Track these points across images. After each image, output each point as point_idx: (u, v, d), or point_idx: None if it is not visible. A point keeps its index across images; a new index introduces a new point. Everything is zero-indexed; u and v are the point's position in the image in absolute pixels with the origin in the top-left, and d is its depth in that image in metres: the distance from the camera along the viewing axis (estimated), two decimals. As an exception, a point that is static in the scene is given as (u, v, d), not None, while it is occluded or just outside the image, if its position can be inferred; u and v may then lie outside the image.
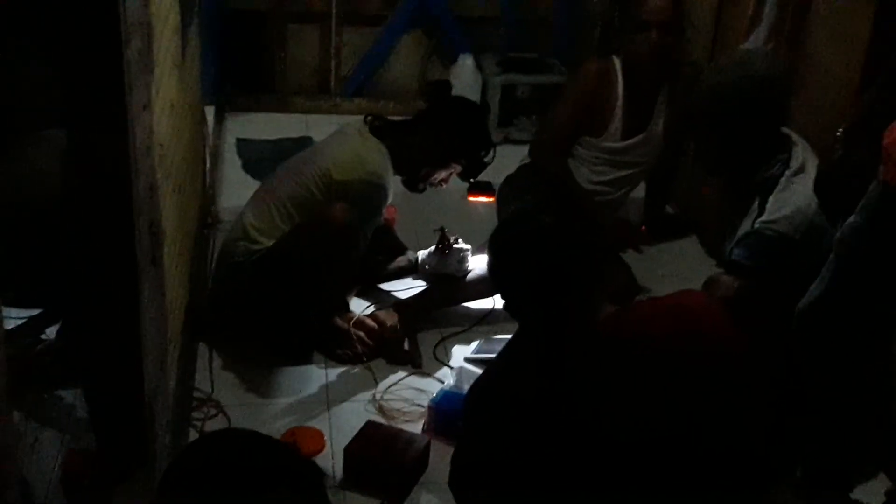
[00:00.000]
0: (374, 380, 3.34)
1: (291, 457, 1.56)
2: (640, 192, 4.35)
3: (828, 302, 2.50)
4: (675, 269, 4.11)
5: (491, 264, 2.37)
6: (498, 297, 2.70)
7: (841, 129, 2.82)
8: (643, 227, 4.08)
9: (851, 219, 2.46)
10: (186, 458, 1.57)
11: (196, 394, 3.21)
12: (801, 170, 2.96)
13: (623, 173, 3.99)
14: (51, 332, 2.92)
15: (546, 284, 2.24)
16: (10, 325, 2.61)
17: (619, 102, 3.84)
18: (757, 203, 2.97)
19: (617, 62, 3.81)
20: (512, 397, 2.25)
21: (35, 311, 2.80)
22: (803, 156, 2.99)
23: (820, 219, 2.87)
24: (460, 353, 3.53)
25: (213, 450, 1.55)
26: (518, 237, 2.31)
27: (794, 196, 2.92)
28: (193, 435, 2.97)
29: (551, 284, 2.24)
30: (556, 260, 2.23)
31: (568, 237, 2.28)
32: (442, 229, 3.74)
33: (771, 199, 2.94)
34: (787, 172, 2.95)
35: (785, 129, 3.05)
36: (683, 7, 3.77)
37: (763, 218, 2.93)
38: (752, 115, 2.93)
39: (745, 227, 2.99)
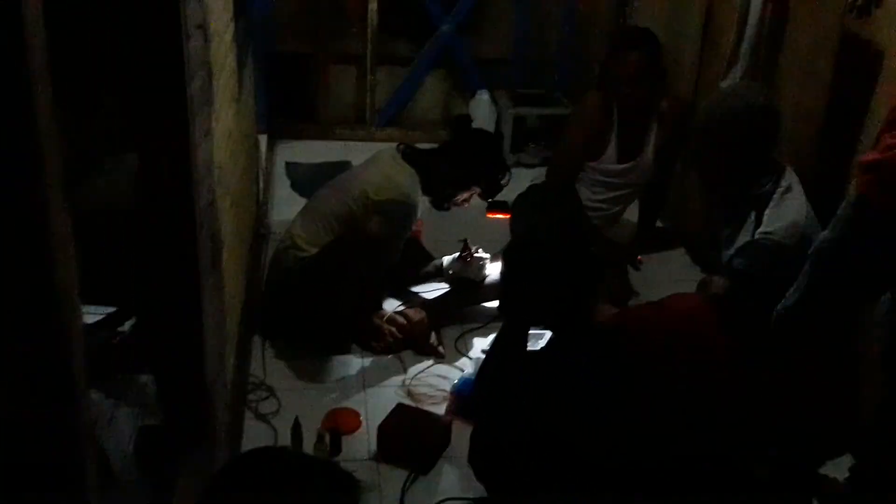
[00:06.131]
0: (404, 368, 3.27)
1: (327, 470, 1.43)
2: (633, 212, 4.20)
3: (801, 307, 2.42)
4: (665, 275, 3.98)
5: (505, 274, 2.36)
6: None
7: None
8: (639, 258, 3.91)
9: (825, 233, 2.37)
10: (227, 475, 1.43)
11: (251, 379, 3.12)
12: (789, 189, 2.85)
13: (618, 193, 3.88)
14: (126, 326, 2.86)
15: (555, 291, 2.25)
16: (90, 319, 2.60)
17: (615, 131, 3.72)
18: (753, 217, 2.85)
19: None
20: (517, 385, 2.23)
21: (112, 309, 2.76)
22: (790, 177, 2.89)
23: (812, 231, 2.71)
24: (479, 346, 3.44)
25: (254, 467, 1.39)
26: (531, 255, 2.32)
27: (788, 210, 2.81)
28: (249, 415, 2.93)
29: (560, 291, 2.24)
30: (565, 271, 2.24)
31: (573, 251, 2.30)
32: (465, 240, 3.62)
33: (767, 212, 2.81)
34: (779, 190, 2.84)
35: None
36: (661, 57, 3.58)
37: (761, 229, 2.80)
38: (755, 139, 2.80)
39: (742, 238, 2.86)
